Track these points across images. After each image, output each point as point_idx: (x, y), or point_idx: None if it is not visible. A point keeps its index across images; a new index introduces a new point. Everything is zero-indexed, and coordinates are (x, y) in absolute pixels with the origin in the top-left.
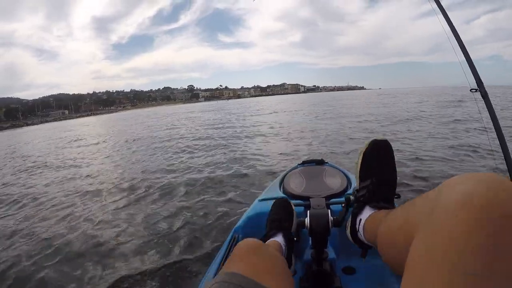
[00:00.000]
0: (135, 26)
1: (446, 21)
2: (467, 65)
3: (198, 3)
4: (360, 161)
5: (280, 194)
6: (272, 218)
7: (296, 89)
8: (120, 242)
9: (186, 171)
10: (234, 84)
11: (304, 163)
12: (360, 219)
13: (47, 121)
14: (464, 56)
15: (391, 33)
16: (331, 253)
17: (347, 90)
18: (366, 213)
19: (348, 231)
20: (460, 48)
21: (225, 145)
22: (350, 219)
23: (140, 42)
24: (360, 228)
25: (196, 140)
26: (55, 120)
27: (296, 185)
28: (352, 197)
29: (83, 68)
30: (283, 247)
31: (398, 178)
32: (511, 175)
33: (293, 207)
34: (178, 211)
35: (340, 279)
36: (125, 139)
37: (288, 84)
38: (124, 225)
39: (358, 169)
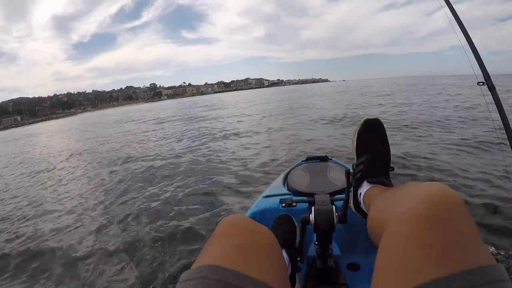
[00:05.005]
0: (97, 24)
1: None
2: (474, 58)
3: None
4: (355, 140)
5: (285, 190)
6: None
7: (260, 83)
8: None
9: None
10: (198, 81)
11: (308, 159)
12: (360, 193)
13: None
14: (471, 48)
15: (354, 26)
16: (335, 249)
17: (311, 82)
18: (365, 187)
19: (351, 202)
20: (466, 40)
21: None
22: (352, 192)
23: (102, 41)
24: (361, 200)
25: None
26: (5, 128)
27: (300, 182)
28: (351, 171)
29: (44, 70)
30: (286, 263)
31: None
32: None
33: (296, 223)
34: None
35: (345, 276)
36: None
37: (252, 79)
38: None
39: (354, 147)
